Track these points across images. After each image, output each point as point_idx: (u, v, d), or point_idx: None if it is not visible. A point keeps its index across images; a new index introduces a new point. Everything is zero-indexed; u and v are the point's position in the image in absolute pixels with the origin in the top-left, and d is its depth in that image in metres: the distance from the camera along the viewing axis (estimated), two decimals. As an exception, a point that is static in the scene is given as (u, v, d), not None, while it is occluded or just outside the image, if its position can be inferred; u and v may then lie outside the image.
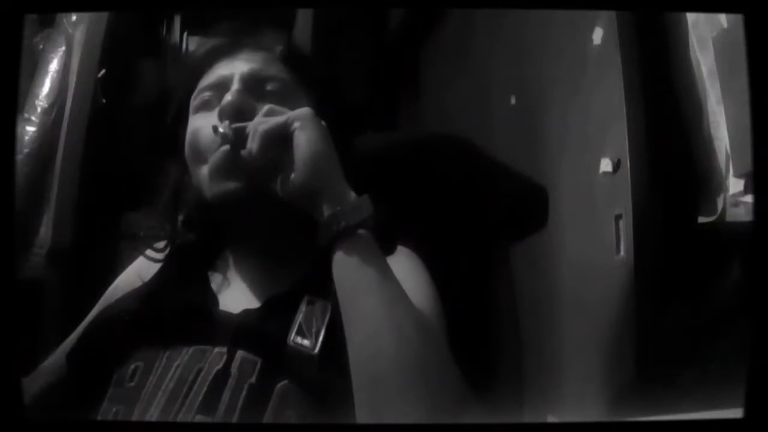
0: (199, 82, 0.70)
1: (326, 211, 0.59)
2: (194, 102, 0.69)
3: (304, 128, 0.60)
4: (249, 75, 0.68)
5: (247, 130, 0.62)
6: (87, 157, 1.17)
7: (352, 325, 0.56)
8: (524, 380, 0.99)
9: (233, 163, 0.63)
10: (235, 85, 0.67)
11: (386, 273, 0.58)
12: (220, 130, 0.63)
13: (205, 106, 0.68)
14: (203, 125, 0.67)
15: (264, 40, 0.73)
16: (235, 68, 0.68)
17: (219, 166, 0.64)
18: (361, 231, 0.59)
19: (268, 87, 0.68)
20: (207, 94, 0.68)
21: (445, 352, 0.58)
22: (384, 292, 0.57)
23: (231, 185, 0.63)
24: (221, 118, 0.64)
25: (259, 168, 0.61)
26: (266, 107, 0.63)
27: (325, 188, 0.60)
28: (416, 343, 0.54)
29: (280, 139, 0.60)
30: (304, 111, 0.61)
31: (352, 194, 0.61)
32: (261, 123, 0.61)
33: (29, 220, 1.15)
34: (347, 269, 0.58)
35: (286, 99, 0.67)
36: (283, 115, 0.61)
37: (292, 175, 0.60)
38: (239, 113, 0.64)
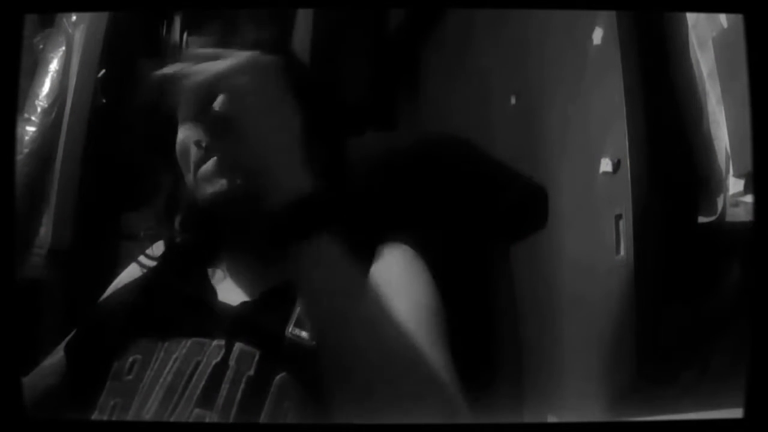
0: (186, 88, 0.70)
1: (278, 202, 0.50)
2: (182, 109, 0.70)
3: (241, 87, 0.51)
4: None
5: None
6: (87, 157, 1.17)
7: (319, 331, 0.54)
8: (524, 380, 0.99)
9: (220, 170, 0.63)
10: (222, 95, 0.66)
11: (353, 280, 0.53)
12: (203, 144, 0.64)
13: (191, 115, 0.68)
14: (191, 135, 0.67)
15: (249, 41, 0.72)
16: None
17: (206, 173, 0.64)
18: (322, 233, 0.51)
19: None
20: (192, 103, 0.68)
21: (433, 353, 0.56)
22: (350, 296, 0.52)
23: (219, 189, 0.63)
24: (207, 132, 0.64)
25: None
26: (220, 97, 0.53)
27: (277, 171, 0.51)
28: (391, 343, 0.52)
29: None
30: (242, 57, 0.52)
31: (309, 183, 0.51)
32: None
33: (29, 220, 1.15)
34: (311, 277, 0.52)
35: (273, 103, 0.67)
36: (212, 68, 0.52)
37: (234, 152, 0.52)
38: (225, 123, 0.64)
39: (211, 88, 0.54)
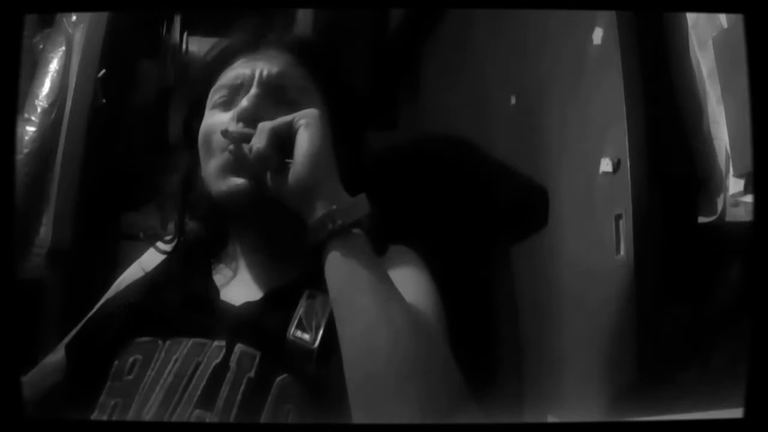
0: (220, 77, 0.70)
1: (320, 210, 0.58)
2: (213, 97, 0.70)
3: (308, 126, 0.60)
4: (268, 78, 0.68)
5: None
6: (87, 157, 1.17)
7: (344, 324, 0.56)
8: (524, 380, 0.99)
9: (238, 164, 0.63)
10: (254, 89, 0.66)
11: (379, 272, 0.58)
12: (230, 130, 0.64)
13: (223, 104, 0.69)
14: (218, 122, 0.67)
15: (288, 41, 0.73)
16: (256, 68, 0.68)
17: (225, 165, 0.64)
18: (355, 230, 0.58)
19: (286, 92, 0.68)
20: (225, 92, 0.69)
21: (443, 350, 0.57)
22: (378, 292, 0.56)
23: (235, 184, 0.64)
24: (236, 121, 0.64)
25: (263, 164, 0.61)
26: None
27: (321, 186, 0.59)
28: (411, 341, 0.54)
29: (284, 136, 0.60)
30: (311, 111, 0.62)
31: (346, 195, 0.60)
32: (268, 123, 0.61)
33: (29, 220, 1.15)
34: (340, 268, 0.57)
35: (302, 105, 0.67)
36: (290, 115, 0.62)
37: (290, 171, 0.59)
38: (255, 119, 0.64)
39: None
